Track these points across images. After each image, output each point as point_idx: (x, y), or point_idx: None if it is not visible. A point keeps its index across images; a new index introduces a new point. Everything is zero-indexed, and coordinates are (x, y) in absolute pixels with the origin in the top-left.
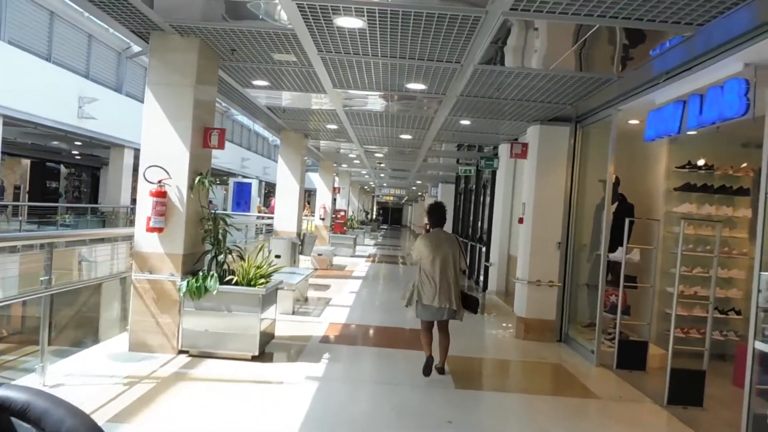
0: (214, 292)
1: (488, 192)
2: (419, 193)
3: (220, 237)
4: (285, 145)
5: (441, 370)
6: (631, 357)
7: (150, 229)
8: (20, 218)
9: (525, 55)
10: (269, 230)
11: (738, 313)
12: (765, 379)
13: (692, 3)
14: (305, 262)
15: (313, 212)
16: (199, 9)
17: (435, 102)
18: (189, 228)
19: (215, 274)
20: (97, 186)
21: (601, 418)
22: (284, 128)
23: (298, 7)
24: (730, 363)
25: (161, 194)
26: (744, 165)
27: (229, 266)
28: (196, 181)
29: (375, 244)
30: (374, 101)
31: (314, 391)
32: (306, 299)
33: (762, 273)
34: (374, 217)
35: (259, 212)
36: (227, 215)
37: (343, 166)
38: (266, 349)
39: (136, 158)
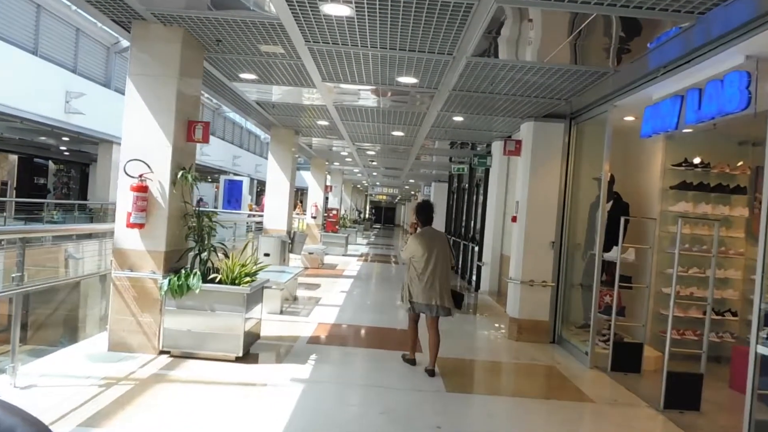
0: (197, 291)
1: (481, 190)
2: (412, 192)
3: (204, 234)
4: (275, 141)
5: (431, 372)
6: (625, 359)
7: (130, 225)
8: (4, 214)
9: (519, 46)
10: (259, 228)
11: (734, 314)
12: (766, 382)
13: None
14: (295, 260)
15: (304, 211)
16: None
17: (427, 97)
18: (171, 224)
19: (198, 272)
20: (87, 182)
21: (596, 424)
22: (274, 124)
23: None
24: (726, 365)
25: (142, 189)
26: (740, 163)
27: (213, 264)
28: (179, 176)
29: (367, 243)
30: (365, 96)
31: (299, 394)
32: (295, 298)
33: None
34: (367, 216)
35: (251, 210)
36: (212, 212)
37: (336, 164)
38: (251, 349)
39: None
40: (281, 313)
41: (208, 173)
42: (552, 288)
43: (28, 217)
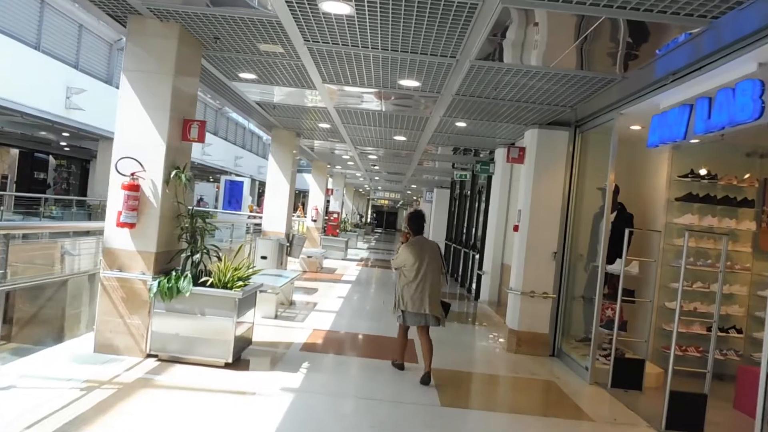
0: (187, 294)
1: (483, 198)
2: (414, 198)
3: (197, 235)
4: (276, 143)
5: (427, 378)
6: (626, 376)
7: (120, 225)
8: (2, 208)
9: (524, 50)
10: (258, 230)
11: (739, 331)
12: None
13: None
14: (294, 264)
15: (305, 213)
16: None
17: (430, 101)
18: (163, 225)
19: (189, 275)
20: (87, 179)
21: None
22: (276, 126)
23: None
24: (730, 384)
25: (134, 188)
26: (748, 175)
27: (206, 267)
28: (173, 175)
29: (368, 248)
30: (366, 99)
31: (289, 404)
32: (291, 303)
33: None
34: (368, 220)
35: (251, 211)
36: (209, 212)
37: (337, 167)
38: (242, 355)
39: None
40: (276, 317)
41: (210, 173)
42: (553, 300)
43: (27, 211)
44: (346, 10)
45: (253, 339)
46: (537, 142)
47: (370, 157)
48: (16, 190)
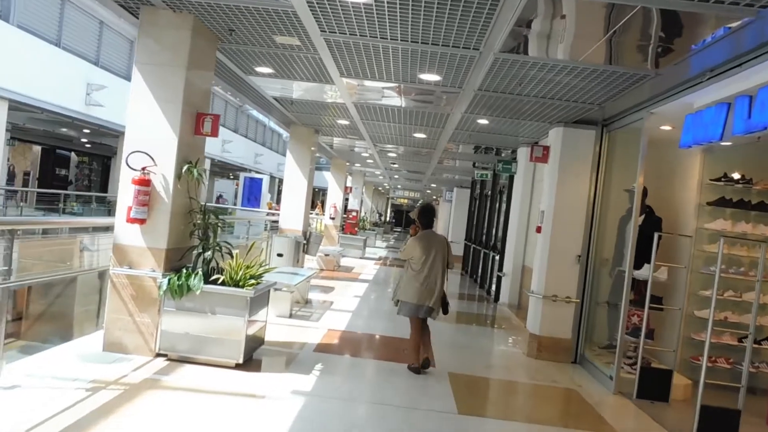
0: (197, 292)
1: (504, 198)
2: (434, 197)
3: (210, 232)
4: (294, 139)
5: (426, 363)
6: (653, 386)
7: (130, 220)
8: (21, 204)
9: (551, 43)
10: (275, 227)
11: None
12: None
13: None
14: (311, 262)
15: (324, 211)
16: None
17: (451, 97)
18: (174, 221)
19: (200, 272)
20: (108, 175)
21: None
22: (294, 122)
23: None
24: (763, 398)
25: (145, 182)
26: None
27: (218, 264)
28: (185, 170)
29: (387, 247)
30: (386, 94)
31: (299, 409)
32: (307, 301)
33: None
34: (387, 219)
35: (270, 209)
36: (225, 209)
37: (357, 165)
38: (254, 355)
39: None
40: (290, 316)
41: (230, 170)
42: (576, 305)
43: (48, 207)
44: None
45: (266, 339)
46: (562, 141)
47: (390, 155)
48: (38, 187)
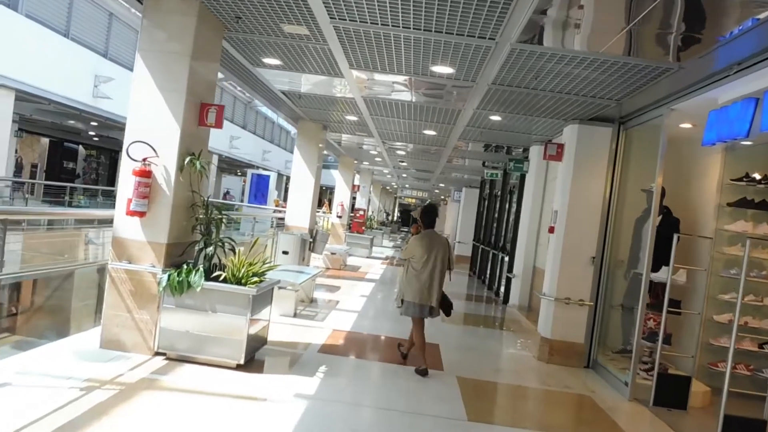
0: (198, 289)
1: (515, 198)
2: (442, 197)
3: (212, 227)
4: (302, 135)
5: (405, 356)
6: (670, 393)
7: (130, 213)
8: (27, 196)
9: (570, 33)
10: (281, 224)
11: None
12: None
13: None
14: (317, 260)
15: (331, 209)
16: None
17: (464, 91)
18: (176, 215)
19: (201, 269)
20: (116, 169)
21: None
22: (302, 118)
23: None
24: None
25: (145, 174)
26: None
27: (220, 260)
28: (187, 162)
29: (393, 246)
30: (396, 88)
31: (302, 413)
32: (312, 300)
33: None
34: (395, 218)
35: (277, 206)
36: (231, 205)
37: (365, 163)
38: (256, 355)
39: None
40: (295, 316)
41: (237, 167)
42: (589, 308)
43: (54, 200)
44: None
45: (269, 338)
46: (577, 139)
47: (399, 152)
48: (46, 179)
